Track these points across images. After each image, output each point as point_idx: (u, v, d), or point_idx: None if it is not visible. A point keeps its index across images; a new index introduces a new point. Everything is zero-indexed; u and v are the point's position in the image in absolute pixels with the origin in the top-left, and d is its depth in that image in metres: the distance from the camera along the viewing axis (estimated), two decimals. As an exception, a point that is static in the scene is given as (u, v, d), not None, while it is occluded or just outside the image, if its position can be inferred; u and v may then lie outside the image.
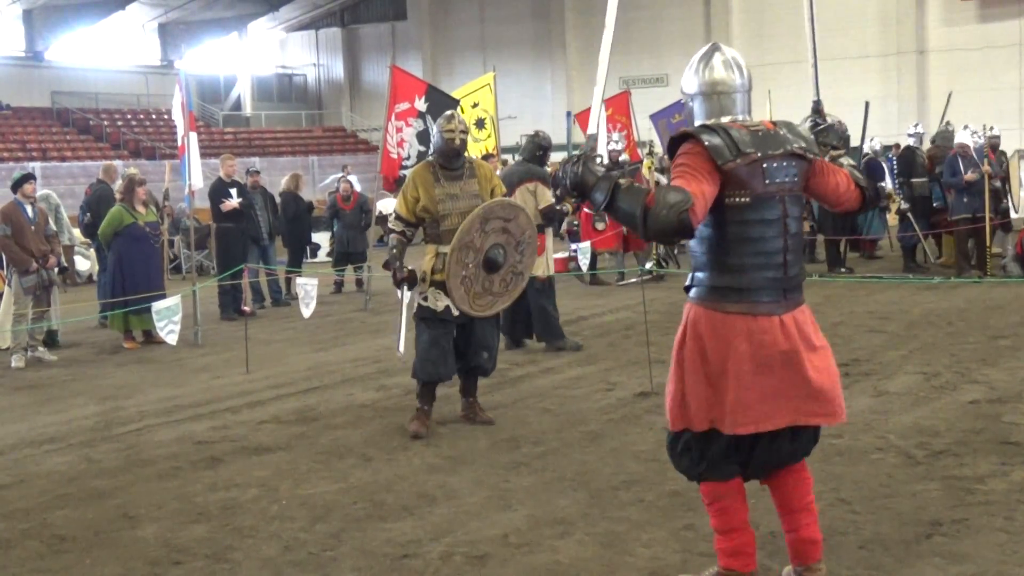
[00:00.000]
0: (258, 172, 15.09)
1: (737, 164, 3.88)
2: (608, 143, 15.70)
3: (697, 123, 4.12)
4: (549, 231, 10.04)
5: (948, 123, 16.32)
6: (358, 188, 16.53)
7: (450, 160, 7.07)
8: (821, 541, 4.16)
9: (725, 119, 4.05)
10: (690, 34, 38.00)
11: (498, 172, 9.09)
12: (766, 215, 3.96)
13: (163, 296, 10.80)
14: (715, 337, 4.01)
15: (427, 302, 6.96)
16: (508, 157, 17.71)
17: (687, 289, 4.21)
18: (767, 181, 3.95)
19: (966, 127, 14.58)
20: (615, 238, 15.14)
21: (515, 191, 9.86)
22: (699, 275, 4.12)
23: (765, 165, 3.94)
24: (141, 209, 11.60)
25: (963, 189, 13.80)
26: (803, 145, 4.06)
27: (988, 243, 13.87)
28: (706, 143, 3.89)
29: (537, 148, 10.12)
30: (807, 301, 4.14)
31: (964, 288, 12.94)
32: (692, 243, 4.07)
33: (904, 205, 15.42)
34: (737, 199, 3.93)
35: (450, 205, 6.97)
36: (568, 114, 15.33)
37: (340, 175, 17.44)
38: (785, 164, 4.00)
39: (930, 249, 15.99)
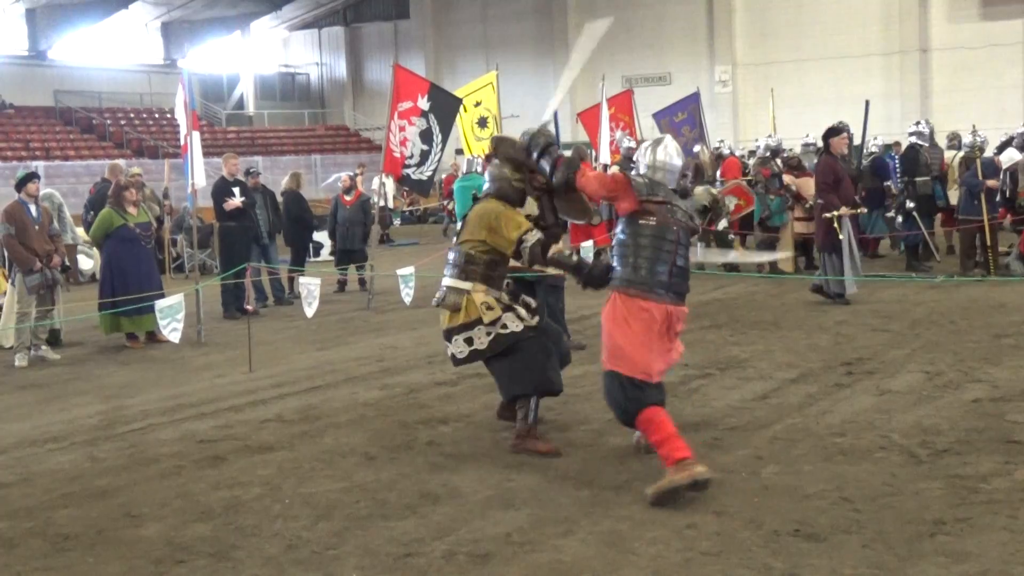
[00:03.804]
0: (258, 174, 15.09)
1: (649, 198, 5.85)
2: (624, 142, 15.74)
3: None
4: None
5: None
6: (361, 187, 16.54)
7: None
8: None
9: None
10: (693, 33, 37.99)
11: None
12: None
13: (160, 296, 10.79)
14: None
15: (510, 327, 6.49)
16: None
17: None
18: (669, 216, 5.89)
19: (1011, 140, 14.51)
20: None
21: None
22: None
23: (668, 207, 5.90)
24: (132, 210, 11.57)
25: (979, 192, 13.75)
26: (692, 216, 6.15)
27: (988, 242, 13.83)
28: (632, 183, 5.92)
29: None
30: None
31: (967, 287, 12.93)
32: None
33: (909, 204, 15.39)
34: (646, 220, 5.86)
35: None
36: (555, 113, 15.33)
37: (353, 175, 17.40)
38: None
39: (935, 247, 15.98)
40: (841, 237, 11.87)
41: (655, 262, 5.77)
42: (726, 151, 19.78)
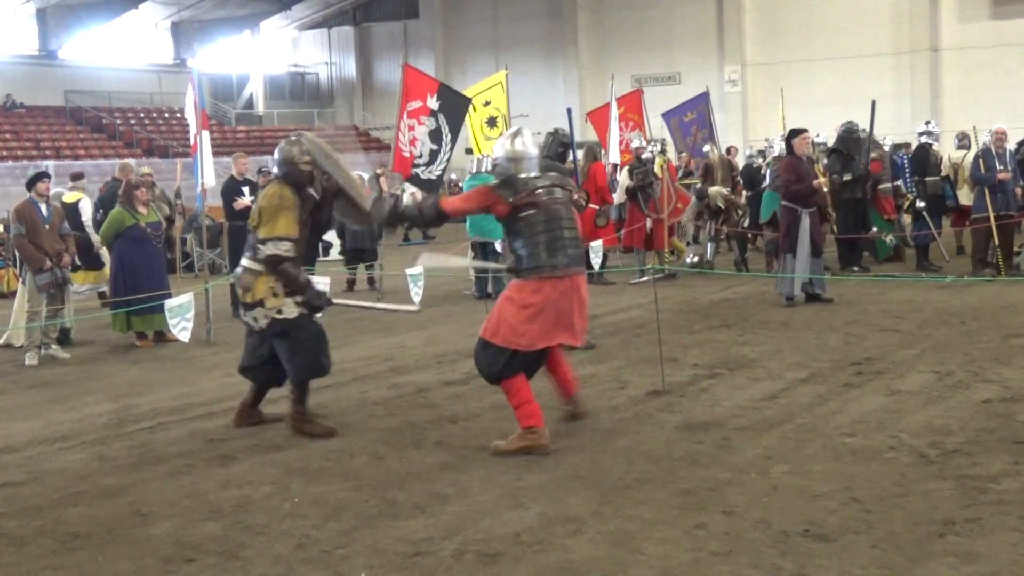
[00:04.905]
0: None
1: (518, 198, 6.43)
2: (635, 141, 15.77)
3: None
4: None
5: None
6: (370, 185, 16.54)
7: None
8: (578, 380, 7.11)
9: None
10: (703, 33, 37.97)
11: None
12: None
13: (168, 296, 10.81)
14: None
15: (285, 313, 7.09)
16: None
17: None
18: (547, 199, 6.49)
19: None
20: (639, 233, 15.14)
21: None
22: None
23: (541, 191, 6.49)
24: (142, 210, 11.59)
25: (991, 187, 13.69)
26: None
27: (998, 241, 13.79)
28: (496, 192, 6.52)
29: (559, 145, 10.15)
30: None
31: (977, 287, 12.89)
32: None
33: (920, 204, 15.36)
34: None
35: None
36: (568, 110, 15.31)
37: (375, 175, 17.39)
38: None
39: (942, 249, 15.95)
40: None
41: (550, 245, 6.41)
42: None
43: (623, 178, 15.54)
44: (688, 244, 17.45)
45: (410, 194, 7.28)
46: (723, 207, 16.03)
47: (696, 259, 15.81)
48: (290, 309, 7.05)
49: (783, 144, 16.40)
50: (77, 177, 14.56)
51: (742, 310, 11.98)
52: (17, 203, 11.10)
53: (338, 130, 42.85)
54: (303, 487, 5.91)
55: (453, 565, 4.68)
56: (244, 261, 7.20)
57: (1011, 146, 14.68)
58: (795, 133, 12.55)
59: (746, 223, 16.15)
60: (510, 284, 6.66)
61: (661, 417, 7.17)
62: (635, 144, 15.51)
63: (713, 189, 16.09)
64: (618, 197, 15.62)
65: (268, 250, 6.98)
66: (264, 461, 6.50)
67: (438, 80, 15.41)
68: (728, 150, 21.79)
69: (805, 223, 11.93)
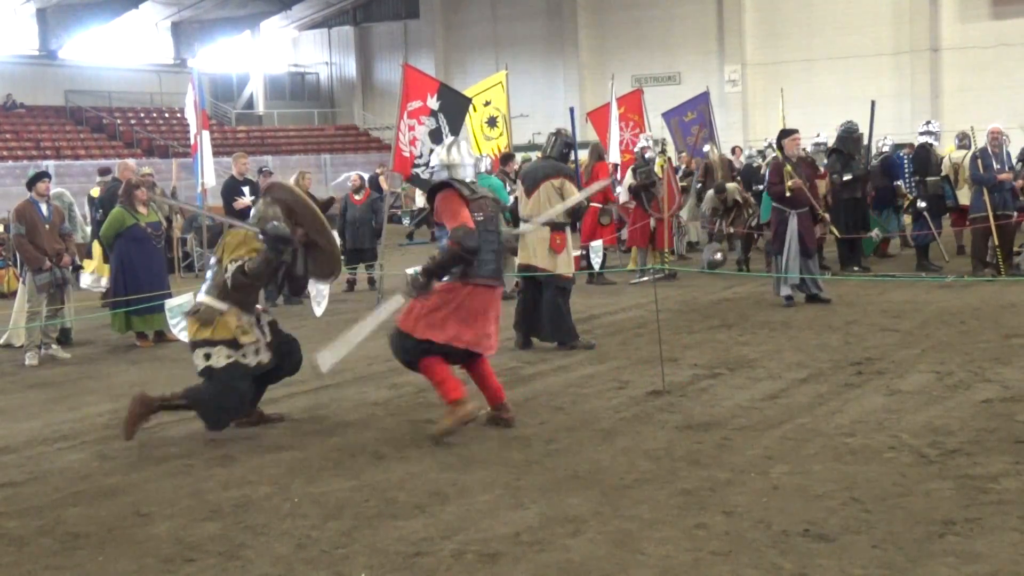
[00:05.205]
0: (271, 173, 15.10)
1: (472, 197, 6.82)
2: (640, 142, 15.78)
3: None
4: (568, 229, 10.06)
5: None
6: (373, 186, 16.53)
7: None
8: (502, 388, 7.17)
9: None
10: (703, 33, 37.96)
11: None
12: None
13: (168, 296, 10.81)
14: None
15: (248, 359, 7.03)
16: (533, 155, 17.53)
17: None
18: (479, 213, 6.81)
19: None
20: (641, 231, 15.14)
21: (539, 187, 9.87)
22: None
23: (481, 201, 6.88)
24: (142, 210, 11.59)
25: (990, 187, 13.67)
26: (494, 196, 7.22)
27: (997, 241, 13.79)
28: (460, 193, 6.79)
29: (563, 146, 10.15)
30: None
31: (978, 287, 12.89)
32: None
33: (921, 204, 15.36)
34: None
35: None
36: (571, 110, 15.30)
37: (374, 175, 17.40)
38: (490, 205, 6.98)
39: (942, 249, 15.95)
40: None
41: (483, 251, 6.74)
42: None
43: (627, 177, 15.55)
44: (697, 244, 17.45)
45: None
46: (740, 202, 16.07)
47: (719, 256, 15.74)
48: (252, 357, 7.01)
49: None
50: (104, 172, 14.64)
51: (742, 310, 11.98)
52: (17, 203, 11.10)
53: (337, 130, 42.94)
54: (303, 487, 5.91)
55: (453, 565, 4.68)
56: (203, 297, 7.09)
57: (1014, 147, 14.68)
58: (785, 134, 12.57)
59: (755, 222, 16.15)
60: (444, 285, 6.90)
61: (661, 417, 7.17)
62: (641, 144, 15.52)
63: (731, 185, 16.13)
64: (622, 196, 15.63)
65: (231, 268, 6.91)
66: (264, 461, 6.50)
67: (438, 80, 15.40)
68: (733, 150, 21.79)
69: (793, 224, 11.92)
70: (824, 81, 35.02)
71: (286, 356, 7.36)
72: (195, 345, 7.06)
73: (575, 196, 9.32)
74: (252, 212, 7.30)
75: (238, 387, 6.95)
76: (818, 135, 17.73)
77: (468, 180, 6.93)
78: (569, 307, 10.10)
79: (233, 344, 6.95)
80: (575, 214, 9.95)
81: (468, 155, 7.02)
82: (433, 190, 7.01)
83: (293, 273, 7.29)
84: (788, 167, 12.11)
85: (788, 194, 11.95)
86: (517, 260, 10.16)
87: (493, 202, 7.07)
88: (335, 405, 7.98)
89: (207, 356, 6.95)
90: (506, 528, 5.10)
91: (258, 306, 7.29)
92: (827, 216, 13.12)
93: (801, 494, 5.42)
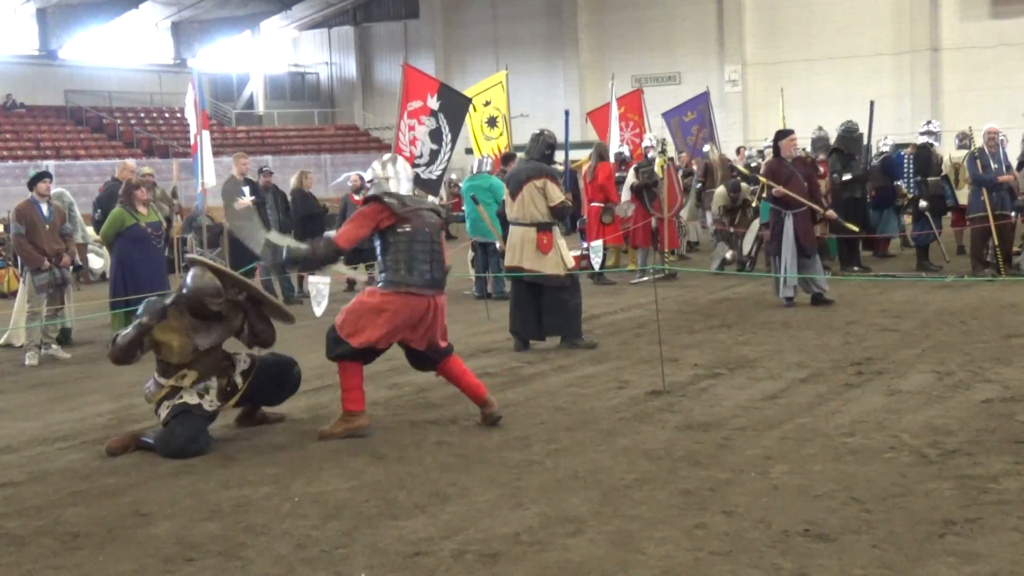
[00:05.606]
0: (271, 172, 15.09)
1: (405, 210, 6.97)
2: (644, 142, 15.79)
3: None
4: (556, 228, 10.04)
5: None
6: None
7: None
8: (483, 386, 7.27)
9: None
10: (703, 33, 37.97)
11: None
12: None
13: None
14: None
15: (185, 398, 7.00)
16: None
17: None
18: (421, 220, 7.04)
19: None
20: (642, 231, 15.14)
21: (523, 188, 9.87)
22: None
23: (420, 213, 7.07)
24: (143, 210, 11.57)
25: (989, 188, 13.65)
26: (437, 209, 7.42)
27: (997, 241, 13.78)
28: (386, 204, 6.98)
29: (545, 147, 10.12)
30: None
31: (978, 287, 12.89)
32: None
33: (922, 204, 15.35)
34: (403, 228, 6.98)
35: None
36: (566, 112, 15.30)
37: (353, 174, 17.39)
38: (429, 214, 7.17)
39: (943, 249, 15.96)
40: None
41: (410, 264, 6.94)
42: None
43: (630, 176, 15.55)
44: (698, 244, 17.44)
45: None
46: (751, 202, 16.08)
47: (730, 255, 15.74)
48: (191, 397, 6.99)
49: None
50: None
51: (742, 310, 11.98)
52: (18, 203, 11.11)
53: (338, 130, 42.93)
54: (303, 487, 5.91)
55: (453, 565, 4.68)
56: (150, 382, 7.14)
57: (1015, 147, 14.67)
58: (782, 134, 12.51)
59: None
60: (368, 288, 7.16)
61: (661, 417, 7.17)
62: (644, 143, 15.52)
63: (744, 185, 16.15)
64: (624, 196, 15.64)
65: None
66: (264, 461, 6.50)
67: (438, 80, 15.41)
68: (738, 151, 21.76)
69: (789, 225, 11.89)
70: (824, 81, 35.02)
71: (285, 381, 7.45)
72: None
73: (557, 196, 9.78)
74: (189, 277, 7.13)
75: (176, 429, 6.81)
76: (820, 128, 17.54)
77: (403, 194, 7.08)
78: (579, 304, 10.10)
79: (173, 393, 6.98)
80: (559, 214, 9.92)
81: (405, 172, 7.22)
82: (365, 202, 7.21)
83: (254, 329, 7.37)
84: (763, 179, 12.10)
85: (779, 198, 11.93)
86: (505, 262, 10.23)
87: (432, 213, 7.23)
88: (335, 405, 7.96)
89: (159, 415, 7.00)
90: (506, 528, 5.10)
91: (242, 352, 7.39)
92: (833, 214, 13.02)
93: (801, 494, 5.42)
